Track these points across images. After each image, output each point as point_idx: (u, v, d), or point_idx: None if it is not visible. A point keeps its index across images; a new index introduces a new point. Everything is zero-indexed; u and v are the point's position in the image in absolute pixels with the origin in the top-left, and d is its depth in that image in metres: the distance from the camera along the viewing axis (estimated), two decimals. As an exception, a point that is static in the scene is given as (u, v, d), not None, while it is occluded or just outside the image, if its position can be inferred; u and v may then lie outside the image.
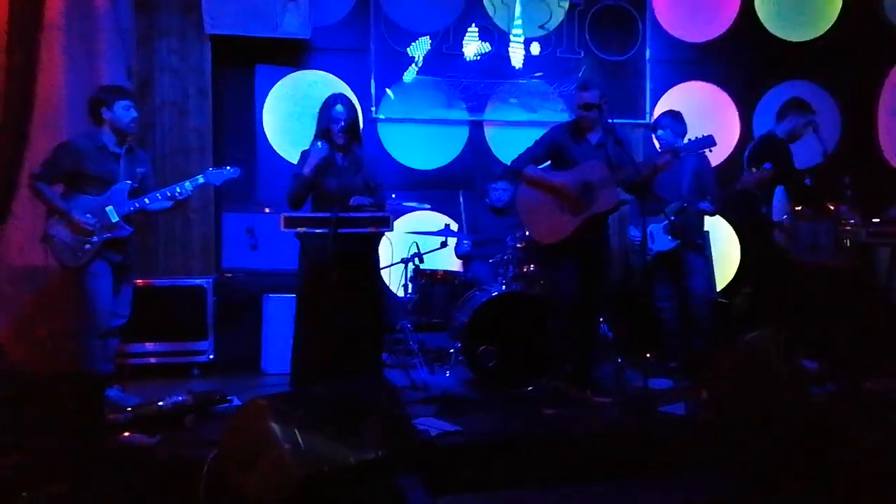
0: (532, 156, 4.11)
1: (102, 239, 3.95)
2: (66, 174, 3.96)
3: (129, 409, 3.48)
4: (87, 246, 3.93)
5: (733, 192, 4.64)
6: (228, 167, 4.26)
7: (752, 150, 5.07)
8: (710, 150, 4.24)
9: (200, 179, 4.16)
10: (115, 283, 4.06)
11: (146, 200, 4.05)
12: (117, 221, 3.98)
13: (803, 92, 6.22)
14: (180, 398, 3.55)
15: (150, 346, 4.77)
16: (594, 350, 4.34)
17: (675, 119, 4.95)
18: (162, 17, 5.43)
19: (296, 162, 4.23)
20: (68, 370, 4.03)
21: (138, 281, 4.56)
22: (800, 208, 4.90)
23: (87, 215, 3.93)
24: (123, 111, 3.99)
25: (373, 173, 4.15)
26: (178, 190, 4.08)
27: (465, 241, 5.28)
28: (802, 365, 3.99)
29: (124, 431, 3.29)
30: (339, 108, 4.02)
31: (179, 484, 2.89)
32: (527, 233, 4.42)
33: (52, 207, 3.95)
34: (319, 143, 3.95)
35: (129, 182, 4.05)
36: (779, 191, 4.87)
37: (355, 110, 4.15)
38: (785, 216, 4.80)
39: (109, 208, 3.96)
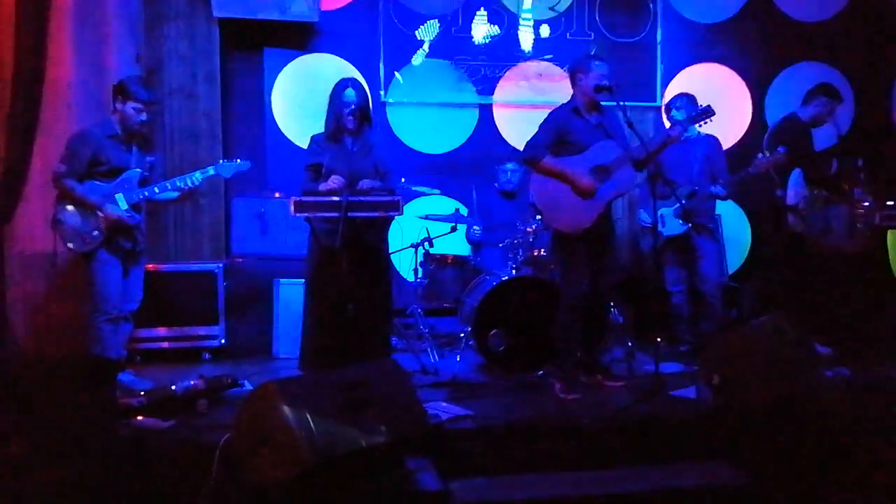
0: (544, 142, 3.96)
1: (110, 225, 3.94)
2: (87, 163, 3.95)
3: (142, 393, 3.50)
4: (96, 232, 3.93)
5: (747, 175, 4.60)
6: (239, 160, 4.24)
7: (773, 130, 5.02)
8: (710, 120, 4.17)
9: (211, 171, 4.15)
10: (125, 268, 4.06)
11: (155, 189, 4.05)
12: (126, 210, 3.98)
13: (816, 73, 6.17)
14: (192, 383, 3.57)
15: (161, 330, 4.79)
16: (603, 334, 4.31)
17: (690, 101, 4.90)
18: (170, 2, 5.40)
19: (305, 146, 4.21)
20: (81, 355, 4.06)
21: (149, 266, 4.58)
22: (816, 192, 4.85)
23: (119, 207, 3.94)
24: (133, 112, 3.98)
25: (382, 158, 4.13)
26: (189, 181, 4.08)
27: (476, 228, 5.25)
28: (815, 349, 3.97)
29: (138, 416, 3.31)
30: (349, 92, 4.01)
31: (193, 467, 2.91)
32: (552, 225, 4.14)
33: (84, 202, 3.93)
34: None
35: (139, 170, 4.05)
36: (795, 174, 4.83)
37: (366, 94, 4.14)
38: (800, 200, 4.75)
39: (119, 196, 3.97)
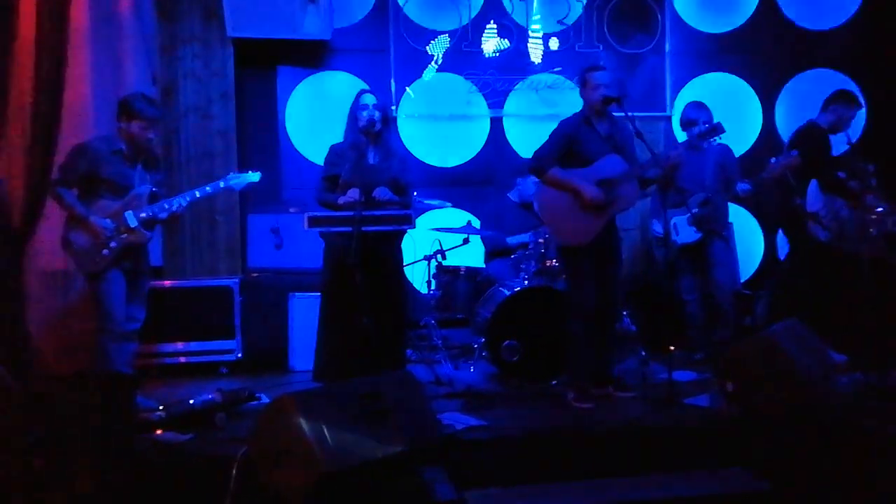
0: (551, 153, 3.96)
1: (121, 244, 3.90)
2: (83, 177, 3.92)
3: (161, 407, 3.54)
4: (105, 251, 3.87)
5: (760, 180, 4.61)
6: (250, 171, 4.25)
7: (792, 137, 5.03)
8: (720, 138, 4.24)
9: (221, 184, 4.14)
10: (128, 288, 3.99)
11: (165, 206, 4.00)
12: (136, 227, 3.93)
13: (826, 80, 6.16)
14: (210, 396, 3.61)
15: (179, 345, 4.84)
16: (614, 346, 4.30)
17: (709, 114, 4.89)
18: (185, 23, 5.49)
19: (320, 163, 4.25)
20: (99, 371, 4.10)
21: (166, 282, 4.62)
22: (829, 198, 4.85)
23: (107, 220, 3.89)
24: (139, 130, 3.94)
25: (403, 170, 4.15)
26: (198, 194, 4.06)
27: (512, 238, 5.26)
28: (830, 356, 3.96)
29: (157, 430, 3.35)
30: (368, 96, 4.04)
31: (211, 481, 2.94)
32: (555, 237, 4.23)
33: (72, 212, 3.90)
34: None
35: (148, 187, 4.02)
36: (814, 182, 4.84)
37: (384, 103, 4.19)
38: (821, 207, 4.77)
39: (129, 213, 3.93)
